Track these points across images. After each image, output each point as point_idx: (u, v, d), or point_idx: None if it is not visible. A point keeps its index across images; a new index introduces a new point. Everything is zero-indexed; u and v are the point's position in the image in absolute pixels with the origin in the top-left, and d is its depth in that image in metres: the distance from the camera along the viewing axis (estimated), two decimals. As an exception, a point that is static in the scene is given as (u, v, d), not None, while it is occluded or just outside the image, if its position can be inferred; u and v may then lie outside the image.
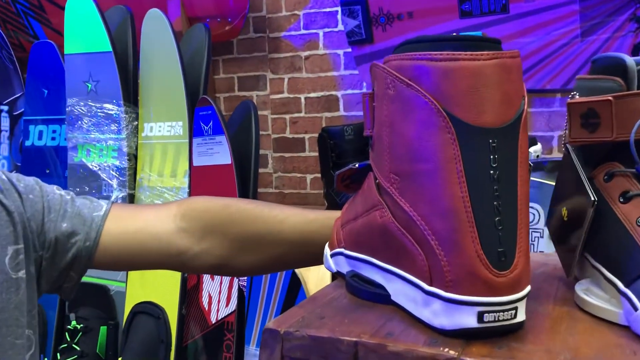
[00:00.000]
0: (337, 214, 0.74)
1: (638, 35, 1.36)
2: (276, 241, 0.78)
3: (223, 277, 1.42)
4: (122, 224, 0.75)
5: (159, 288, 1.49)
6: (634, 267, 0.47)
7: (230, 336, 1.39)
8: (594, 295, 0.50)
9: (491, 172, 0.44)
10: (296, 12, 1.92)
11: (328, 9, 1.87)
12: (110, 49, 1.59)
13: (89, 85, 1.64)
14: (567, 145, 0.58)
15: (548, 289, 0.56)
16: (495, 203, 0.43)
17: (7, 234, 0.70)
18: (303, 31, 1.93)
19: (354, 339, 0.46)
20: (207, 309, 1.42)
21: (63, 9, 2.45)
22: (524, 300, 0.45)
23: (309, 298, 0.58)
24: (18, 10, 2.54)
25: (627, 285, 0.46)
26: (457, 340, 0.44)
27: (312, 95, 1.94)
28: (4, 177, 0.74)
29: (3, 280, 0.69)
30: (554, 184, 0.92)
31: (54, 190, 0.78)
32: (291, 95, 1.98)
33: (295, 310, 0.53)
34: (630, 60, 0.53)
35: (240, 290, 1.37)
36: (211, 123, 1.45)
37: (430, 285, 0.46)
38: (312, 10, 1.90)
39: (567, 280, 0.57)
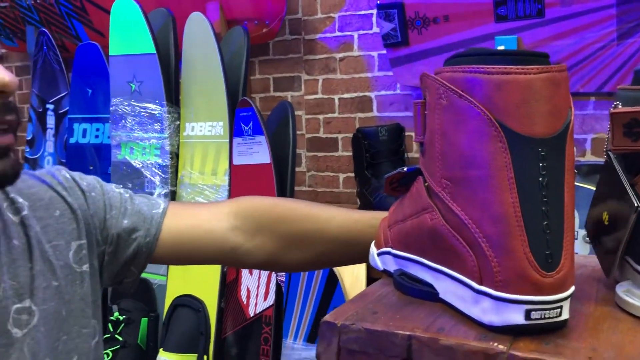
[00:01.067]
0: (381, 214, 0.77)
1: (674, 39, 1.37)
2: (322, 239, 0.81)
3: (261, 272, 1.46)
4: (179, 221, 0.80)
5: (199, 282, 1.54)
6: (674, 270, 0.49)
7: (268, 329, 1.43)
8: (635, 297, 0.52)
9: (540, 179, 0.46)
10: (331, 14, 1.95)
11: (363, 12, 1.90)
12: (154, 51, 1.63)
13: (133, 86, 1.69)
14: (609, 152, 0.60)
15: (589, 290, 0.58)
16: (543, 208, 0.46)
17: (70, 230, 0.74)
18: (338, 33, 1.95)
19: (408, 333, 0.49)
20: (245, 302, 1.46)
21: (103, 10, 2.53)
22: (569, 300, 0.47)
23: (359, 294, 0.61)
24: (62, 12, 2.61)
25: (668, 288, 0.49)
26: (505, 336, 0.47)
27: (346, 96, 1.97)
28: (67, 175, 0.79)
29: (68, 274, 0.73)
30: (589, 187, 0.93)
31: (113, 188, 0.82)
32: (325, 96, 2.01)
33: (349, 306, 0.56)
34: (672, 71, 0.55)
35: (278, 285, 1.41)
36: (251, 124, 1.49)
37: (480, 284, 0.48)
38: (348, 13, 1.92)
39: (607, 282, 0.60)
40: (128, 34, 1.67)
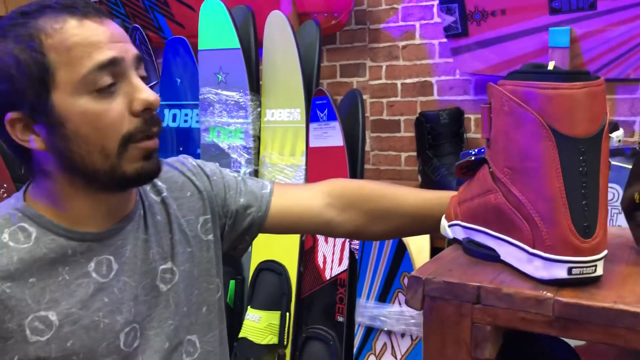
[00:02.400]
0: (447, 193, 0.91)
1: None
2: (399, 215, 0.96)
3: (336, 241, 1.62)
4: (283, 199, 0.96)
5: (281, 249, 1.71)
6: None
7: (343, 290, 1.59)
8: (657, 260, 0.65)
9: (580, 169, 0.59)
10: (395, 5, 2.06)
11: (424, 3, 2.00)
12: (238, 46, 1.80)
13: (220, 77, 1.86)
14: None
15: (622, 255, 0.71)
16: (582, 191, 0.59)
17: (198, 207, 0.91)
18: (401, 23, 2.06)
19: (477, 284, 0.63)
20: (322, 267, 1.63)
21: (184, 3, 2.71)
22: (602, 260, 0.61)
23: (435, 257, 0.76)
24: (145, 6, 2.81)
25: (682, 252, 0.61)
26: (552, 287, 0.60)
27: (408, 81, 2.09)
28: (194, 163, 0.96)
29: (198, 242, 0.89)
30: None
31: (228, 172, 0.99)
32: (389, 81, 2.13)
33: (428, 265, 0.71)
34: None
35: (351, 252, 1.57)
36: (326, 111, 1.64)
37: (533, 248, 0.62)
38: (410, 4, 2.03)
39: (637, 249, 0.72)
40: (215, 31, 1.84)
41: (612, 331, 0.56)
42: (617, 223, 1.15)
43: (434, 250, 1.53)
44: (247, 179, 0.99)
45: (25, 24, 0.71)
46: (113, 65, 0.71)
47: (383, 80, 2.13)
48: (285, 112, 1.77)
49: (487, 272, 0.67)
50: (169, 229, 0.87)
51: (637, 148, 0.71)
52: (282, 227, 0.97)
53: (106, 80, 0.71)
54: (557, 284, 0.60)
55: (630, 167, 1.13)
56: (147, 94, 0.74)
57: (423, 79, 2.04)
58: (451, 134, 1.77)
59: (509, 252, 0.67)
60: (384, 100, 2.14)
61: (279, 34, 1.77)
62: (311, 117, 1.69)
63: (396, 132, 2.13)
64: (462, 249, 0.77)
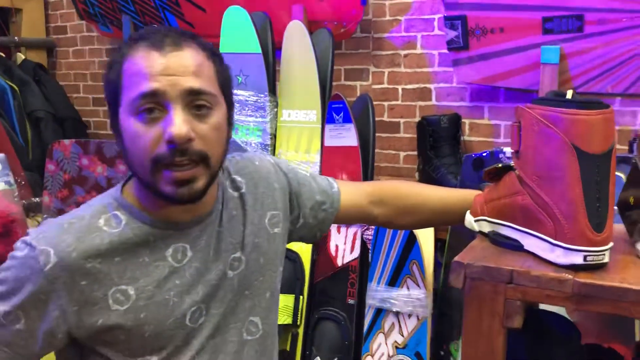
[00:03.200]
0: (469, 193, 1.06)
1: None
2: (425, 209, 1.10)
3: (348, 231, 1.76)
4: (345, 196, 1.08)
5: (295, 238, 1.83)
6: (675, 235, 0.77)
7: (354, 276, 1.73)
8: (649, 251, 0.80)
9: (596, 178, 0.74)
10: (398, 17, 2.19)
11: (426, 16, 2.14)
12: (259, 51, 1.91)
13: (240, 79, 1.97)
14: (636, 158, 0.86)
15: (619, 246, 0.84)
16: (597, 196, 0.73)
17: (268, 202, 0.99)
18: (403, 33, 2.19)
19: (510, 268, 0.77)
20: (334, 255, 1.76)
21: (194, 4, 2.80)
22: (609, 250, 0.75)
23: (468, 247, 0.89)
24: (156, 4, 2.88)
25: (670, 245, 0.76)
26: (570, 271, 0.75)
27: (409, 86, 2.22)
28: (272, 161, 1.04)
29: (266, 234, 0.97)
30: (618, 174, 1.22)
31: (299, 170, 1.08)
32: (390, 86, 2.26)
33: (466, 253, 0.84)
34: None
35: (363, 242, 1.71)
36: (342, 114, 1.76)
37: (555, 240, 0.76)
38: (413, 17, 2.16)
39: (630, 241, 0.87)
40: (238, 36, 1.94)
41: (618, 305, 0.71)
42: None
43: (437, 242, 1.68)
44: (316, 177, 1.09)
45: (121, 48, 0.83)
46: (154, 96, 0.79)
47: (385, 85, 2.26)
48: (301, 113, 1.89)
49: (515, 259, 0.81)
50: (242, 222, 0.95)
51: (634, 160, 0.86)
52: (342, 220, 1.10)
53: (147, 107, 0.79)
54: (574, 268, 0.75)
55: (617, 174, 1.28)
56: (174, 129, 0.78)
57: (422, 85, 2.18)
58: (450, 137, 1.92)
59: (532, 243, 0.81)
60: (385, 104, 2.27)
61: (297, 42, 1.89)
62: (327, 119, 1.82)
63: (396, 132, 2.27)
64: (488, 240, 0.91)
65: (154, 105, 0.79)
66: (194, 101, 0.80)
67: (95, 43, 3.23)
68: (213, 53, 0.86)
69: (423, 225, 1.20)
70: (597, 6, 1.65)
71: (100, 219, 0.85)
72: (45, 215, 2.32)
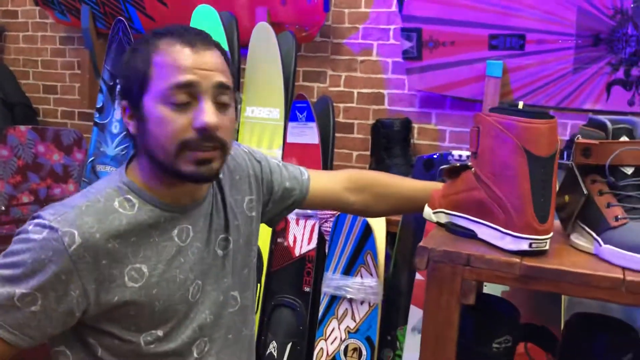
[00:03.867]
0: (432, 184, 1.16)
1: (611, 75, 1.80)
2: (398, 198, 1.20)
3: (306, 223, 1.84)
4: (317, 183, 1.16)
5: (255, 229, 1.89)
6: (601, 227, 0.89)
7: (310, 265, 1.81)
8: (580, 241, 0.92)
9: (542, 177, 0.85)
10: (357, 25, 2.29)
11: (383, 26, 2.25)
12: (226, 49, 1.96)
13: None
14: (572, 163, 0.99)
15: (556, 237, 0.97)
16: (542, 192, 0.85)
17: (245, 188, 1.07)
18: (361, 40, 2.30)
19: (467, 252, 0.87)
20: (292, 245, 1.84)
21: (157, -1, 2.78)
22: (550, 239, 0.87)
23: (430, 234, 0.99)
24: (118, -5, 2.85)
25: (597, 235, 0.89)
26: (518, 256, 0.85)
27: (364, 90, 2.33)
28: (246, 150, 1.12)
29: (244, 217, 1.06)
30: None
31: (271, 159, 1.16)
32: (346, 89, 2.36)
33: (428, 240, 0.94)
34: (608, 122, 0.94)
35: (320, 233, 1.79)
36: (305, 113, 1.84)
37: (506, 229, 0.87)
38: (370, 26, 2.27)
39: (564, 233, 0.99)
40: (205, 34, 1.98)
41: (557, 284, 0.82)
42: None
43: (387, 234, 1.79)
44: (287, 165, 1.17)
45: (148, 41, 0.88)
46: (189, 87, 0.86)
47: (341, 88, 2.36)
48: (265, 110, 1.96)
49: (470, 245, 0.91)
50: (223, 206, 1.03)
51: (570, 165, 0.98)
52: (313, 205, 1.18)
53: (181, 97, 0.86)
54: (521, 254, 0.86)
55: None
56: (207, 118, 0.86)
57: (376, 90, 2.30)
58: (402, 139, 2.04)
59: (485, 232, 0.92)
60: (341, 105, 2.37)
61: (264, 42, 1.95)
62: (291, 117, 1.89)
63: (350, 133, 2.37)
64: (445, 230, 1.01)
65: (186, 95, 0.85)
66: (220, 95, 0.88)
67: (48, 30, 3.14)
68: (228, 58, 0.94)
69: (395, 212, 1.28)
70: (538, 28, 1.81)
71: (114, 202, 0.90)
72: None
